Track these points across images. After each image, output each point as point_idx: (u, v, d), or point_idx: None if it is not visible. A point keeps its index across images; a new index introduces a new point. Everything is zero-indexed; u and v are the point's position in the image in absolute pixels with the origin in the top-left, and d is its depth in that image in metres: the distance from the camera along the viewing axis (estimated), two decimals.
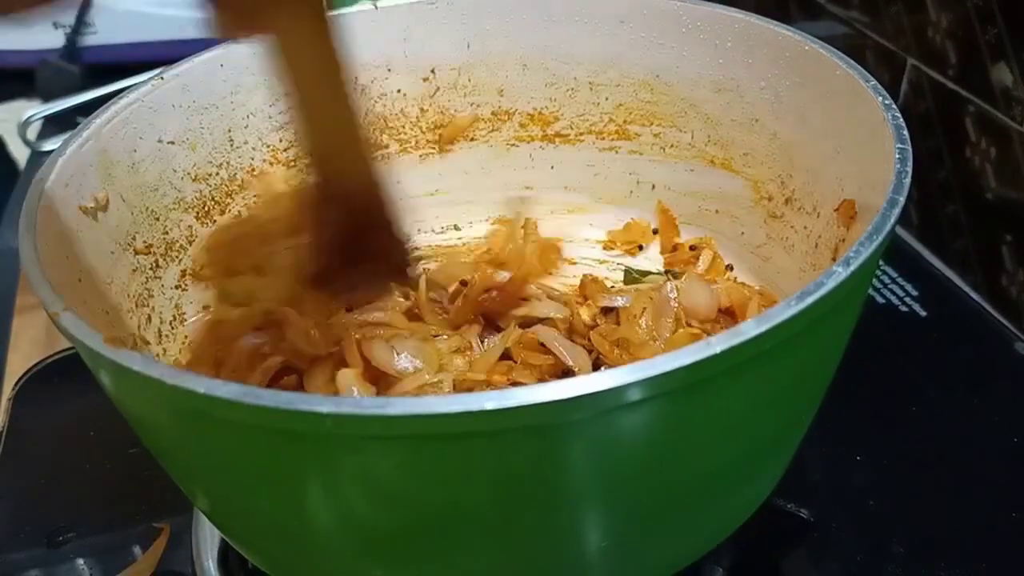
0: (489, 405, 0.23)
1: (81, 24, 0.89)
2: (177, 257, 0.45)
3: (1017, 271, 0.56)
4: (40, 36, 0.91)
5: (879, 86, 0.37)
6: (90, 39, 0.90)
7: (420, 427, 0.24)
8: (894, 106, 0.36)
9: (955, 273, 0.61)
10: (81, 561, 0.44)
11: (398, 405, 0.24)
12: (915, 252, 0.62)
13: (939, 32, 0.58)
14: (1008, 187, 0.55)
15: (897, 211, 0.31)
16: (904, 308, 0.55)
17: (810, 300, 0.26)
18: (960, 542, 0.42)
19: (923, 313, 0.55)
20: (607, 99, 0.52)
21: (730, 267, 0.50)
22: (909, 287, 0.57)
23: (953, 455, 0.46)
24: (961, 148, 0.58)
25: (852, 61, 0.39)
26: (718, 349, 0.25)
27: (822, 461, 0.38)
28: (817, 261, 0.43)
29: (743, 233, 0.50)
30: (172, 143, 0.45)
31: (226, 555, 0.42)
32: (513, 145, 0.55)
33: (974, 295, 0.58)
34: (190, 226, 0.46)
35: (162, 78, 0.44)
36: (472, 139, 0.54)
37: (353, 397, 0.27)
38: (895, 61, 0.63)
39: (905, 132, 0.35)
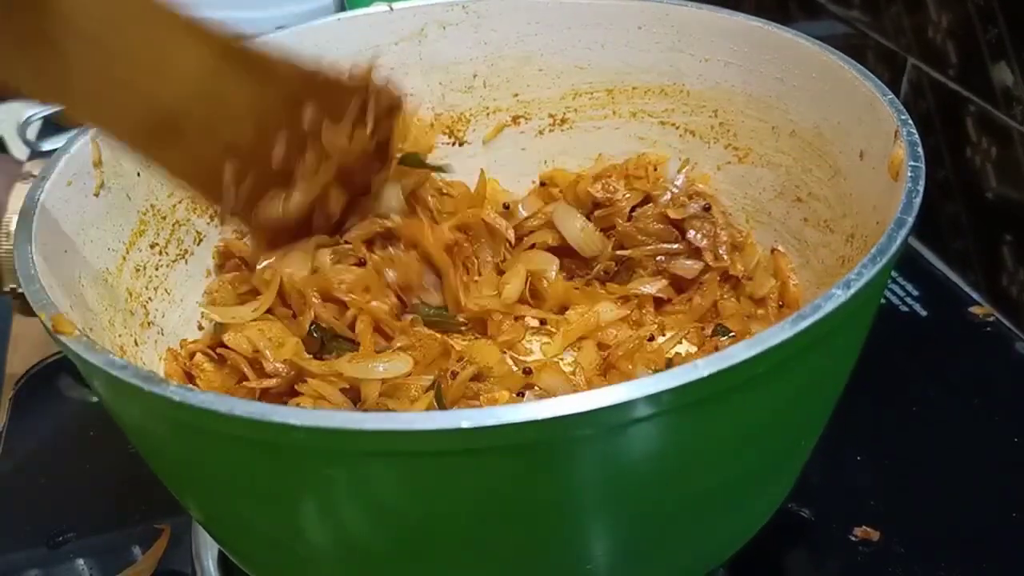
0: (465, 424, 0.23)
1: None
2: (183, 256, 0.45)
3: (1017, 271, 0.56)
4: None
5: (896, 100, 0.36)
6: None
7: (395, 443, 0.24)
8: (910, 121, 0.35)
9: (955, 273, 0.61)
10: (81, 561, 0.44)
11: (373, 420, 0.23)
12: (915, 252, 0.62)
13: (939, 32, 0.58)
14: (1008, 187, 0.55)
15: (904, 232, 0.29)
16: (904, 308, 0.55)
17: (804, 324, 0.26)
18: (960, 542, 0.42)
19: (923, 313, 0.55)
20: (623, 105, 0.52)
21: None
22: (909, 287, 0.57)
23: (953, 455, 0.46)
24: (961, 148, 0.58)
25: (870, 73, 0.38)
26: (705, 372, 0.24)
27: (822, 461, 0.38)
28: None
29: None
30: None
31: (226, 555, 0.42)
32: (523, 149, 0.54)
33: (974, 295, 0.58)
34: (197, 226, 0.46)
35: None
36: (485, 141, 0.54)
37: (328, 411, 0.27)
38: (895, 61, 0.63)
39: (919, 149, 0.33)
